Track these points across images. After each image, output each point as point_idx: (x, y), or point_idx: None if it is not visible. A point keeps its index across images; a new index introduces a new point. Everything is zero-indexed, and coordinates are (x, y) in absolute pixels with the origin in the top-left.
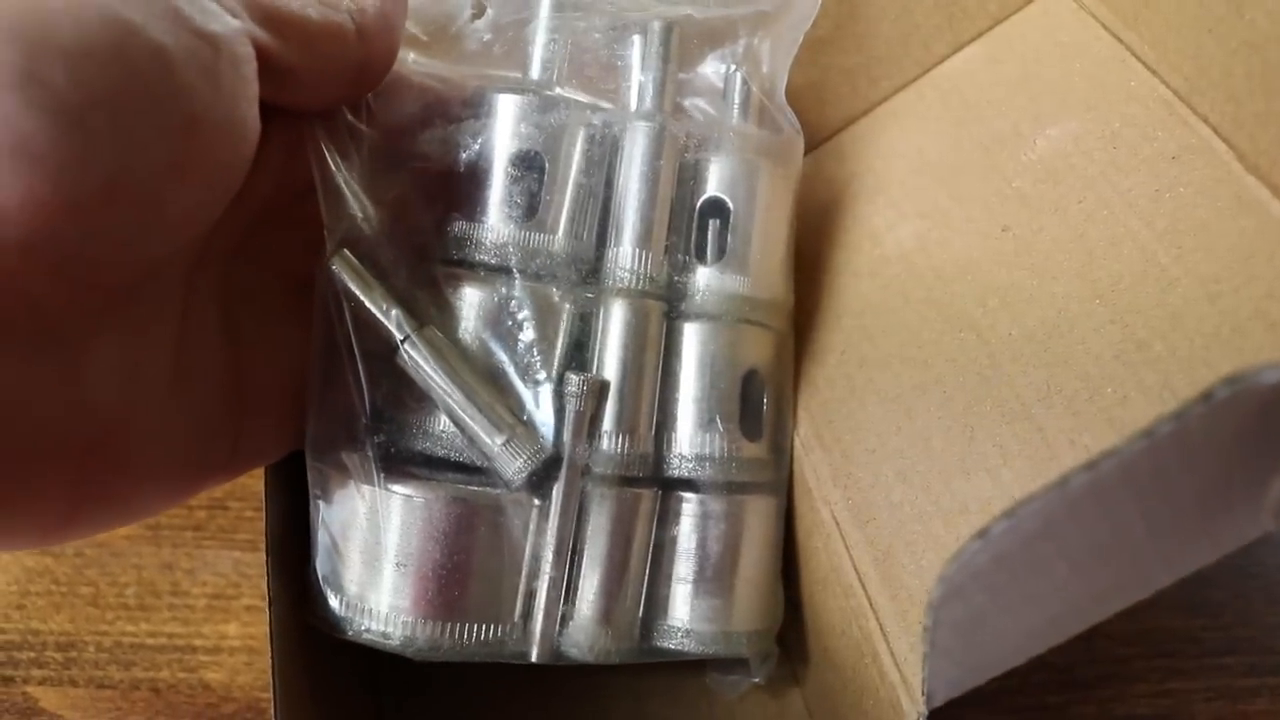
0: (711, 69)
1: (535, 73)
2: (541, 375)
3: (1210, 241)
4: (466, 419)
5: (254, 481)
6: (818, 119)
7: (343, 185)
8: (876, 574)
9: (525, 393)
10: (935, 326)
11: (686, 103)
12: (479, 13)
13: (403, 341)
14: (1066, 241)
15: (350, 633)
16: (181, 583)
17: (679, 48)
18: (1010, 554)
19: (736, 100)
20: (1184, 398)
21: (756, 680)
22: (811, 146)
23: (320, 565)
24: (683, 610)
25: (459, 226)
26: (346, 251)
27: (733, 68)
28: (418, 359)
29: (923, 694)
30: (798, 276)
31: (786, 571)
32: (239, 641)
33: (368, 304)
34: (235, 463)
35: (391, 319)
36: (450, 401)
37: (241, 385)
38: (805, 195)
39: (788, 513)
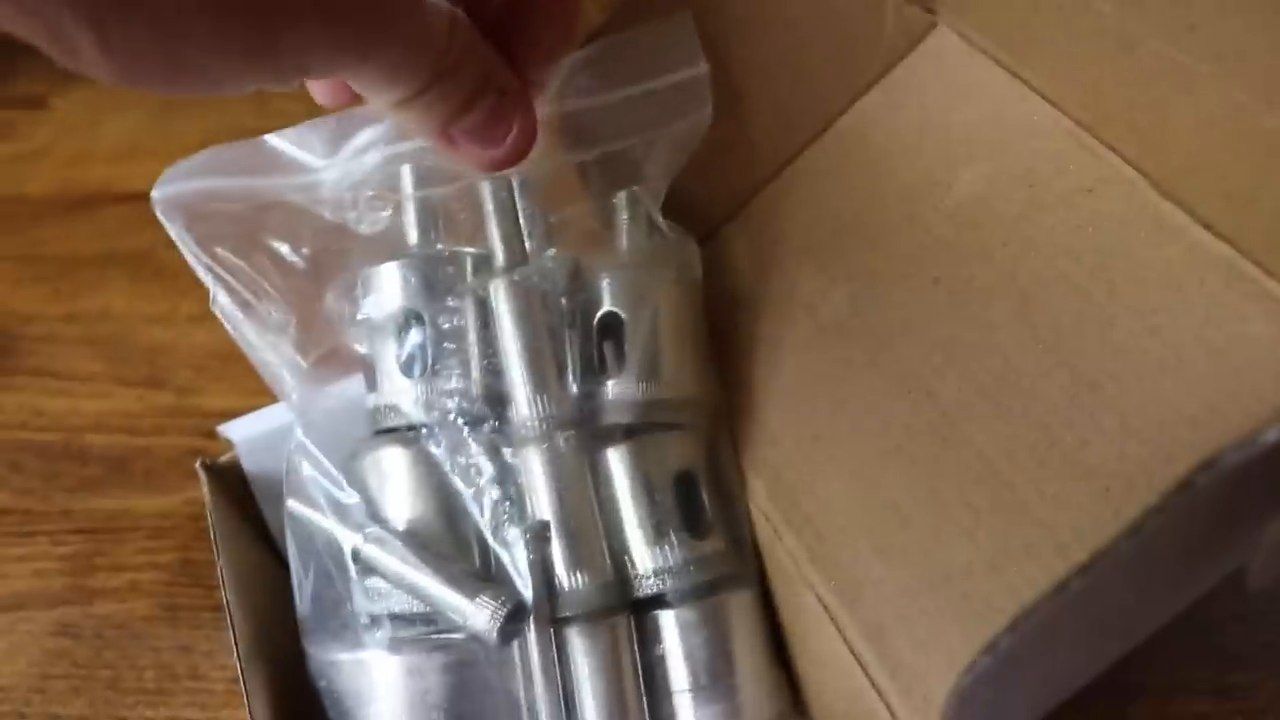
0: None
1: (413, 239)
2: (486, 527)
3: (1140, 273)
4: (433, 598)
5: None
6: (725, 189)
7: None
8: (872, 653)
9: (484, 542)
10: (884, 392)
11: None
12: None
13: (353, 556)
14: (999, 287)
15: None
16: (200, 666)
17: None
18: (1016, 655)
19: (625, 217)
20: (1164, 483)
21: None
22: (723, 219)
23: None
24: None
25: (371, 399)
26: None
27: (619, 193)
28: (372, 561)
29: None
30: (734, 358)
31: (782, 655)
32: None
33: (323, 530)
34: None
35: (343, 540)
36: (412, 588)
37: None
38: (727, 270)
39: (774, 600)
